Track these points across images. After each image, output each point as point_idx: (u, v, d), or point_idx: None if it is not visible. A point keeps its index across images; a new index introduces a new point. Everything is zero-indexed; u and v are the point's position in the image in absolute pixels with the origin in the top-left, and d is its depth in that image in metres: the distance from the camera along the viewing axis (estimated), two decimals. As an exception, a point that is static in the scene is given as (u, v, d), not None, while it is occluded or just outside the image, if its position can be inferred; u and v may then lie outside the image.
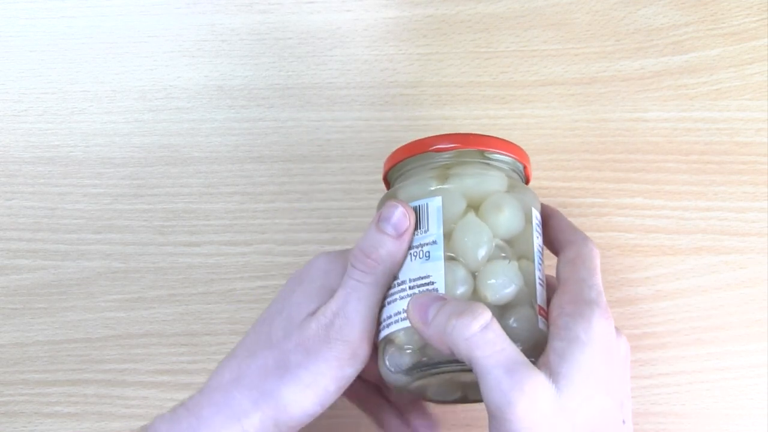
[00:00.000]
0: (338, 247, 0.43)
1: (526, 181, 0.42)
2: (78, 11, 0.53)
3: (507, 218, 0.37)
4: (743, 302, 0.48)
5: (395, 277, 0.37)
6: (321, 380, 0.36)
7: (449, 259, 0.36)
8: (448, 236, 0.37)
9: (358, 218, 0.50)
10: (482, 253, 0.36)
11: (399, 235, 0.37)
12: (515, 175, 0.40)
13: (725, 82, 0.51)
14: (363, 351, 0.36)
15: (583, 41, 0.52)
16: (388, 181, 0.41)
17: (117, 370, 0.48)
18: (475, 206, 0.37)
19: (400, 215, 0.37)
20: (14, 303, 0.49)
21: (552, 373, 0.33)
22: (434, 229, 0.37)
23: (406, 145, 0.40)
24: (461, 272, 0.36)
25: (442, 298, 0.35)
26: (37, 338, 0.49)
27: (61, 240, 0.50)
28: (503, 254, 0.37)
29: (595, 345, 0.34)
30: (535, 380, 0.32)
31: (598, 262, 0.38)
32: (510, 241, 0.37)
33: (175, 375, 0.48)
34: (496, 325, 0.33)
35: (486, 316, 0.33)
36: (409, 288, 0.37)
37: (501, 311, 0.36)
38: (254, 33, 0.53)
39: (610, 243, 0.49)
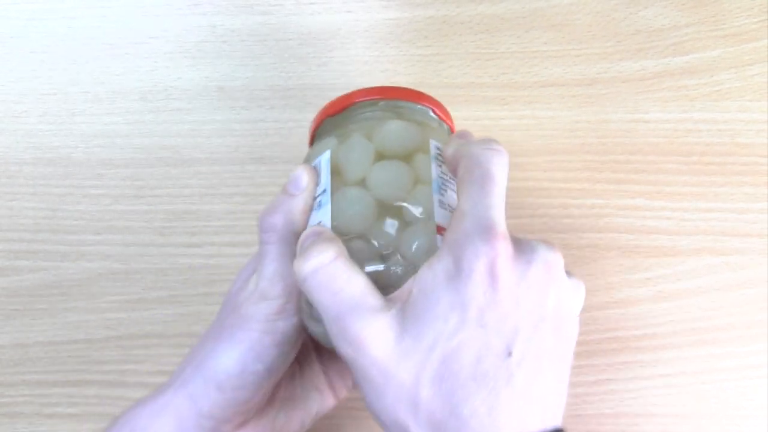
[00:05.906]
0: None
1: (450, 127, 0.41)
2: (78, 12, 0.53)
3: (390, 133, 0.36)
4: (744, 303, 0.48)
5: None
6: (252, 334, 0.36)
7: (335, 192, 0.36)
8: (336, 171, 0.36)
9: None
10: (364, 159, 0.36)
11: (295, 192, 0.37)
12: (424, 120, 0.39)
13: (726, 83, 0.51)
14: (291, 306, 0.36)
15: (584, 42, 0.52)
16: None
17: (118, 371, 0.48)
18: None
19: (294, 174, 0.37)
20: (15, 304, 0.49)
21: (405, 308, 0.31)
22: (325, 179, 0.37)
23: (314, 119, 0.40)
24: (346, 196, 0.35)
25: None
26: (37, 339, 0.49)
27: (61, 241, 0.50)
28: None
29: (466, 276, 0.30)
30: (369, 327, 0.30)
31: (490, 170, 0.32)
32: (402, 158, 0.36)
33: (176, 376, 0.48)
34: (336, 265, 0.31)
35: (322, 257, 0.31)
36: None
37: (399, 229, 0.34)
38: (255, 34, 0.53)
39: (610, 244, 0.49)
